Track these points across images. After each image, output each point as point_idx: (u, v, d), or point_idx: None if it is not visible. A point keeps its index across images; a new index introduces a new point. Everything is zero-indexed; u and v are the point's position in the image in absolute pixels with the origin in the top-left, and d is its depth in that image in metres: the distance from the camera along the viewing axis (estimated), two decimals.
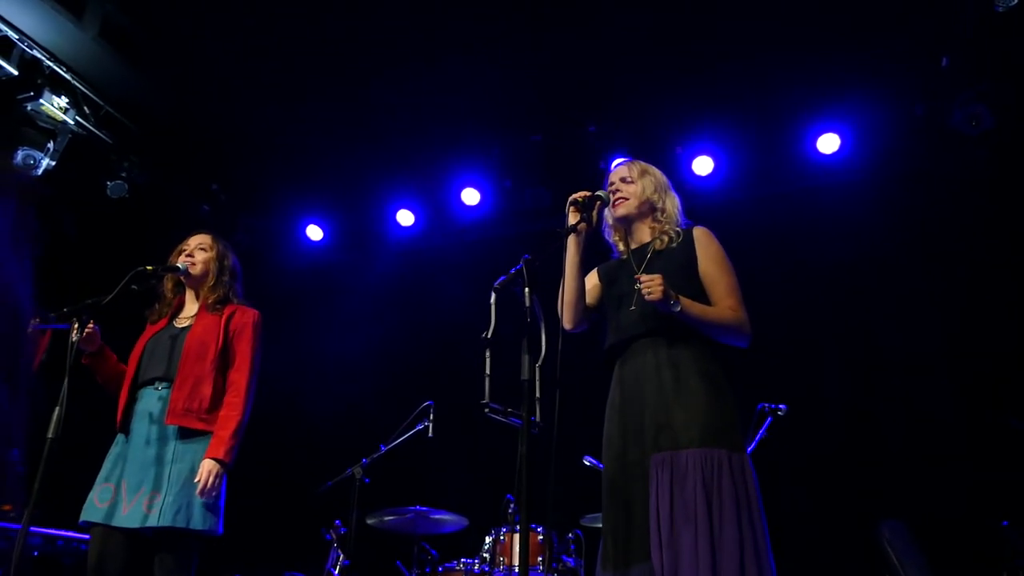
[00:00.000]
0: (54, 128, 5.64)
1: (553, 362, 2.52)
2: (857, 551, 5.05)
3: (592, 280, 3.12)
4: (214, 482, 3.26)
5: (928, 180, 5.72)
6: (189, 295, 3.73)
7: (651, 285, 2.64)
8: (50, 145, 5.64)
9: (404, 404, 4.89)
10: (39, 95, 5.40)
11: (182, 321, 3.63)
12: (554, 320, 2.74)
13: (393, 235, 7.15)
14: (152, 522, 3.17)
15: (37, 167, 5.60)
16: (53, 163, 5.66)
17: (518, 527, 4.10)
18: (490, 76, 5.79)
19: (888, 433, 5.39)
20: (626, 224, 3.08)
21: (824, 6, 5.09)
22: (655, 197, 3.05)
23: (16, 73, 5.27)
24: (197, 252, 3.68)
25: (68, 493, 3.72)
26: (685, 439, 2.62)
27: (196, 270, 3.65)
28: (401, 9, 5.28)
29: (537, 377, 2.44)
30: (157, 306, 3.72)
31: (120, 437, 3.41)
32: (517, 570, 4.24)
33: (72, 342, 3.14)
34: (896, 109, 5.73)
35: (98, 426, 3.63)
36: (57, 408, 2.93)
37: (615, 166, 3.15)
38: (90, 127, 5.82)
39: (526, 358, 2.42)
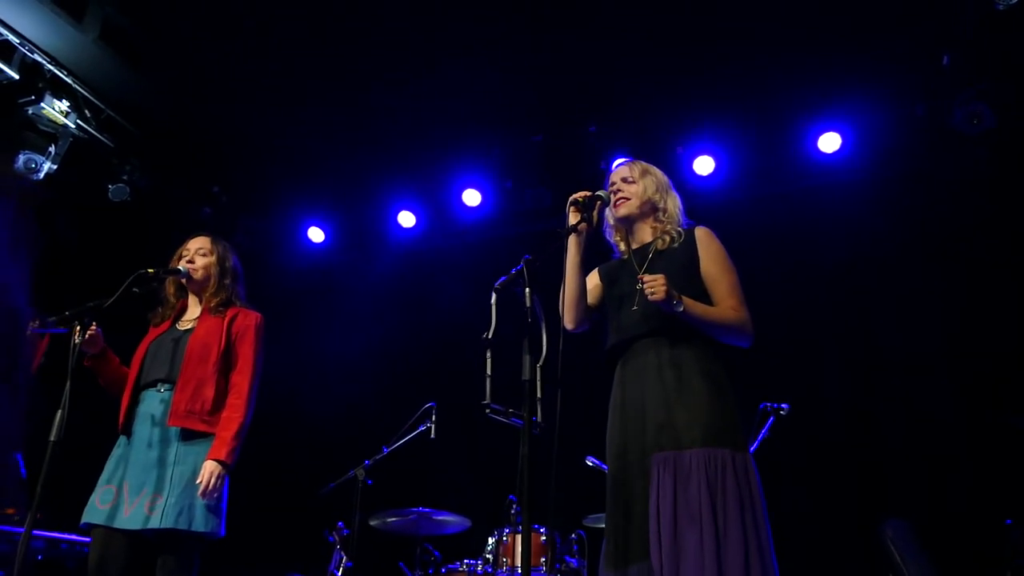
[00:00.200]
0: (55, 132, 5.65)
1: (554, 362, 2.52)
2: (858, 551, 5.05)
3: (593, 280, 3.11)
4: (216, 484, 3.26)
5: (929, 180, 5.72)
6: (192, 298, 3.74)
7: (654, 285, 2.64)
8: (51, 149, 5.65)
9: (406, 405, 4.89)
10: (40, 99, 5.41)
11: (185, 324, 3.64)
12: (555, 320, 2.75)
13: (394, 236, 7.16)
14: (154, 524, 3.17)
15: (39, 171, 5.61)
16: (55, 167, 5.67)
17: (521, 528, 4.11)
18: (490, 77, 5.79)
19: (888, 433, 5.38)
20: (627, 224, 3.08)
21: (825, 6, 5.09)
22: (656, 197, 3.05)
23: (17, 77, 5.27)
24: (197, 257, 3.68)
25: (71, 496, 3.72)
26: (688, 439, 2.62)
27: (197, 275, 3.65)
28: (401, 11, 5.29)
29: (538, 377, 2.45)
30: (160, 309, 3.72)
31: (122, 439, 3.42)
32: (520, 571, 4.26)
33: (74, 345, 3.14)
34: (897, 109, 5.73)
35: (100, 429, 3.63)
36: (59, 411, 2.94)
37: (616, 166, 3.15)
38: (91, 130, 5.83)
39: (527, 358, 2.42)
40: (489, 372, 2.55)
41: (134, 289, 3.31)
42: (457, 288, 6.58)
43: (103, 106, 5.83)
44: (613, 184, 3.08)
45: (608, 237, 3.18)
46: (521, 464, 2.31)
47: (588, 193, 2.93)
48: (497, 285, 2.52)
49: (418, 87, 5.87)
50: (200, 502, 3.24)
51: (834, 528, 5.18)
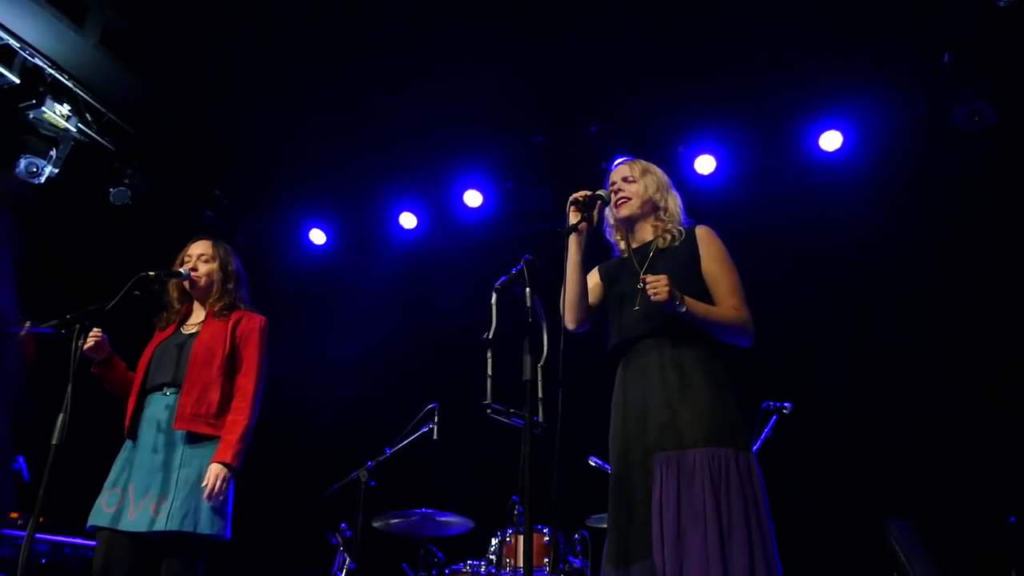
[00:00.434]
0: (56, 136, 5.66)
1: (555, 362, 2.52)
2: (858, 550, 5.04)
3: (593, 279, 3.11)
4: (221, 486, 3.27)
5: (930, 178, 5.72)
6: (196, 302, 3.74)
7: (657, 286, 2.63)
8: (53, 153, 5.66)
9: (408, 406, 4.89)
10: (41, 103, 5.41)
11: (189, 327, 3.65)
12: (556, 320, 2.74)
13: (396, 238, 7.16)
14: (160, 526, 3.17)
15: (40, 175, 5.61)
16: (56, 171, 5.67)
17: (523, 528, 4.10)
18: (490, 78, 5.79)
19: (889, 432, 5.38)
20: (628, 224, 3.08)
21: (825, 6, 5.08)
22: (657, 196, 3.04)
23: (18, 81, 5.28)
24: (200, 264, 3.68)
25: (74, 500, 3.72)
26: (690, 439, 2.62)
27: (201, 282, 3.65)
28: (401, 13, 5.29)
29: (539, 377, 2.44)
30: (165, 313, 3.73)
31: (128, 443, 3.43)
32: (523, 571, 4.26)
33: (75, 348, 3.14)
34: (898, 107, 5.72)
35: (103, 431, 3.63)
36: (61, 414, 2.94)
37: (616, 165, 3.15)
38: (92, 134, 5.84)
39: (528, 358, 2.42)
40: (490, 372, 2.55)
41: (135, 292, 3.31)
42: (459, 289, 6.58)
43: (104, 110, 5.84)
44: (613, 183, 3.07)
45: (608, 236, 3.17)
46: (523, 464, 2.31)
47: (588, 193, 2.92)
48: (497, 285, 2.52)
49: (419, 88, 5.88)
50: (206, 505, 3.25)
51: (835, 528, 5.17)
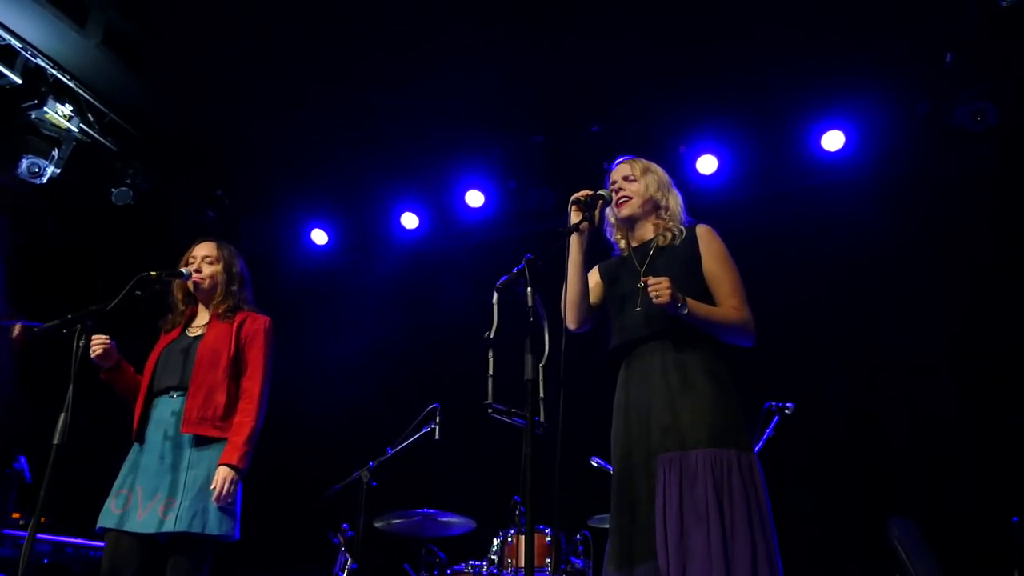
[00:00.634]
0: (58, 136, 5.66)
1: (556, 362, 2.51)
2: (861, 550, 5.03)
3: (594, 278, 3.10)
4: (230, 489, 3.28)
5: (932, 178, 5.71)
6: (200, 304, 3.75)
7: (659, 288, 2.63)
8: (55, 153, 5.66)
9: (410, 406, 4.89)
10: (43, 103, 5.41)
11: (194, 330, 3.65)
12: (557, 319, 2.74)
13: (397, 238, 7.16)
14: (168, 527, 3.19)
15: (42, 175, 5.62)
16: (58, 171, 5.68)
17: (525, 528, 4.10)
18: (491, 78, 5.79)
19: (891, 432, 5.37)
20: (629, 223, 3.07)
21: (826, 6, 5.08)
22: (658, 195, 3.04)
23: (20, 82, 5.29)
24: (204, 265, 3.67)
25: (75, 500, 3.73)
26: (693, 439, 2.62)
27: (205, 284, 3.65)
28: (401, 13, 5.29)
29: (541, 377, 2.44)
30: (170, 316, 3.73)
31: (135, 445, 3.44)
32: (524, 572, 4.25)
33: (76, 348, 3.14)
34: (899, 107, 5.71)
35: (104, 431, 3.63)
36: (62, 414, 2.94)
37: (616, 164, 3.14)
38: (94, 134, 5.84)
39: (529, 358, 2.42)
40: (491, 372, 2.54)
41: (136, 292, 3.31)
42: (461, 289, 6.58)
43: (106, 110, 5.84)
44: (614, 183, 3.06)
45: (608, 235, 3.17)
46: (524, 464, 2.31)
47: (590, 192, 2.92)
48: (499, 284, 2.52)
49: (419, 88, 5.88)
50: (214, 506, 3.27)
51: (837, 528, 5.16)
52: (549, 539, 4.40)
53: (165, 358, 3.55)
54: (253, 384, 3.50)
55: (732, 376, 2.79)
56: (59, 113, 5.52)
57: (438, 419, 4.74)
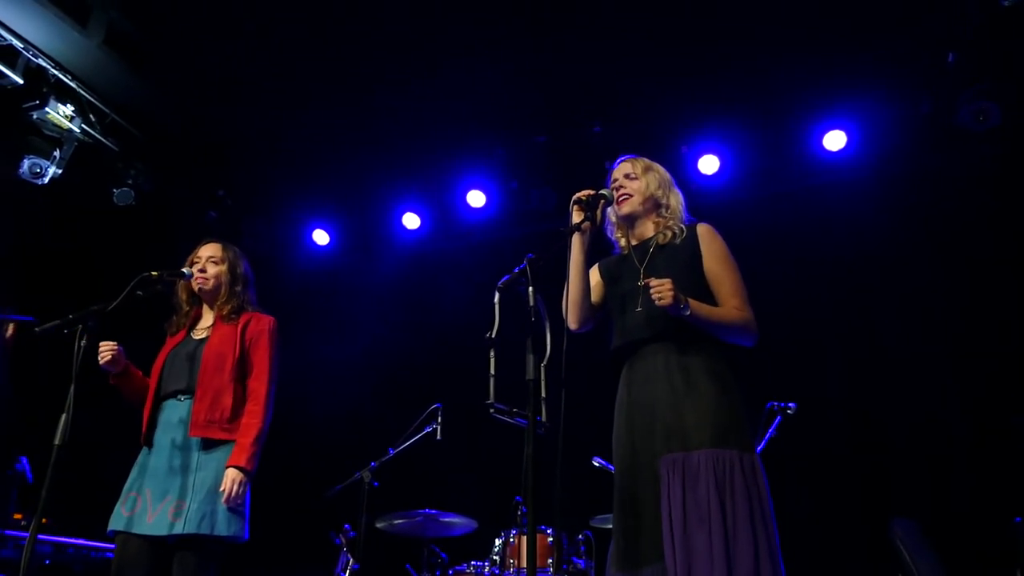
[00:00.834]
0: (60, 136, 5.66)
1: (558, 362, 2.51)
2: (862, 550, 5.03)
3: (594, 277, 3.10)
4: (238, 490, 3.28)
5: (934, 178, 5.71)
6: (205, 306, 3.74)
7: (661, 290, 2.63)
8: (56, 153, 5.66)
9: (411, 407, 4.89)
10: (45, 104, 5.42)
11: (199, 332, 3.65)
12: (558, 319, 2.73)
13: (399, 238, 7.16)
14: (177, 529, 3.19)
15: (44, 175, 5.62)
16: (60, 171, 5.68)
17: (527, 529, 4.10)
18: (493, 78, 5.79)
19: (893, 432, 5.37)
20: (630, 221, 3.07)
21: (827, 6, 5.08)
22: (659, 193, 3.04)
23: (21, 82, 5.29)
24: (208, 266, 3.67)
25: (77, 500, 3.73)
26: (696, 440, 2.62)
27: (209, 285, 3.65)
28: (403, 14, 5.29)
29: (542, 377, 2.44)
30: (175, 318, 3.73)
31: (144, 449, 3.45)
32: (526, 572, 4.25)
33: (78, 348, 3.14)
34: (901, 107, 5.71)
35: (106, 432, 3.64)
36: (63, 415, 2.94)
37: (618, 162, 3.14)
38: (96, 135, 5.85)
39: (531, 358, 2.41)
40: (492, 372, 2.54)
41: (138, 292, 3.31)
42: (462, 289, 6.58)
43: (107, 110, 5.85)
44: (615, 181, 3.06)
45: (609, 234, 3.17)
46: (526, 464, 2.31)
47: (591, 192, 2.92)
48: (500, 284, 2.52)
49: (421, 88, 5.88)
50: (222, 507, 3.27)
51: (839, 528, 5.16)
52: (551, 539, 4.40)
53: (171, 361, 3.55)
54: (259, 385, 3.50)
55: (734, 376, 2.79)
56: (61, 113, 5.52)
57: (440, 419, 4.74)
